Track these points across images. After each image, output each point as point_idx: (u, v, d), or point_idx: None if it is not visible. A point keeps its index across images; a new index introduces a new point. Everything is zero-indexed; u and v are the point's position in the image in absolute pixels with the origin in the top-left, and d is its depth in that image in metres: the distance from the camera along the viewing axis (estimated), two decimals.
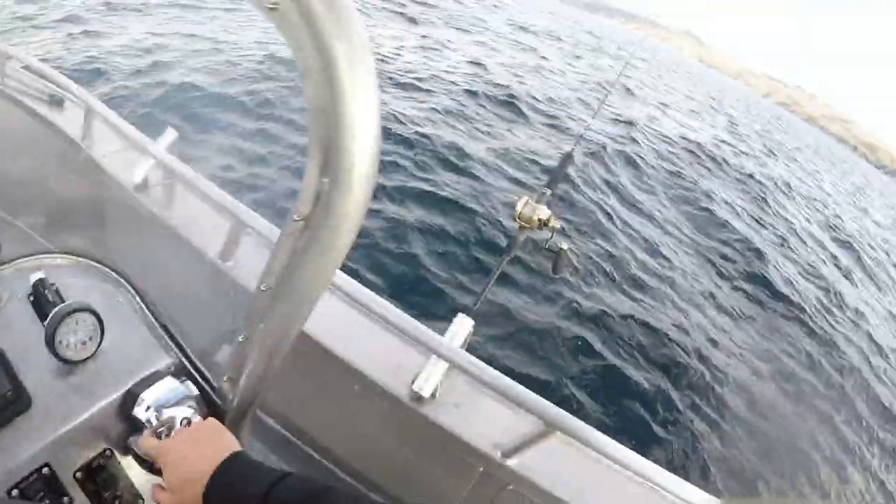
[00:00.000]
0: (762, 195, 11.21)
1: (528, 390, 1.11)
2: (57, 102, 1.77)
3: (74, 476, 0.79)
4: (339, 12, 0.39)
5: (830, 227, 12.58)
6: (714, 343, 4.92)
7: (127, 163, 1.57)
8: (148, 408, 0.82)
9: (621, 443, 1.10)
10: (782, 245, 8.99)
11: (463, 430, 1.27)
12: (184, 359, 0.95)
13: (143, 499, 0.84)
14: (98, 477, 0.81)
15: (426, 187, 5.17)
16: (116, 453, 0.84)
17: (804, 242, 9.89)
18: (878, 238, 15.26)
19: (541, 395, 1.14)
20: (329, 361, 1.32)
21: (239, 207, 1.33)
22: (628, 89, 15.42)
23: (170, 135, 1.63)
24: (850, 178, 33.65)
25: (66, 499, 0.77)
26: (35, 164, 1.60)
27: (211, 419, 0.78)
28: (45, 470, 0.76)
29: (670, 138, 12.12)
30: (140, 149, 1.53)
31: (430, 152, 5.86)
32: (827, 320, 6.95)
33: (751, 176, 12.35)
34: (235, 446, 0.70)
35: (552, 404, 1.10)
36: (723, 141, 15.55)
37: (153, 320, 1.01)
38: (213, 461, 0.66)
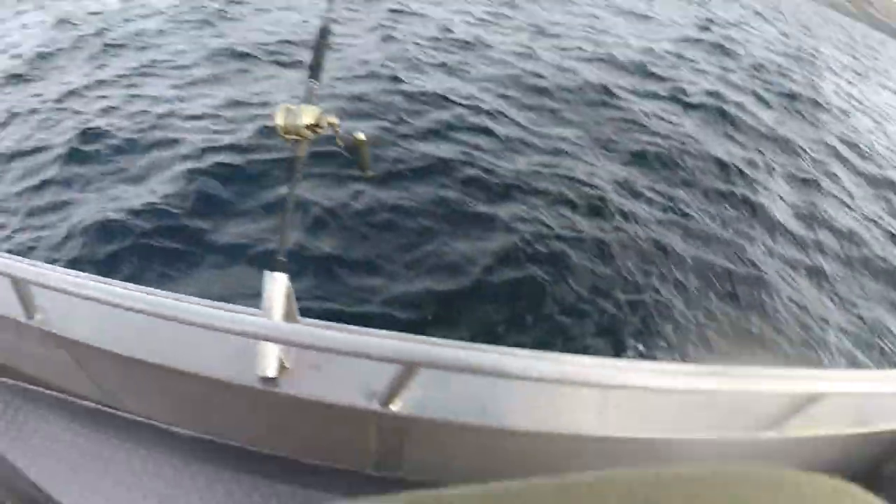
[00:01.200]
0: None
1: (366, 338, 0.99)
2: None
3: None
4: None
5: None
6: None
7: None
8: None
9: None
10: None
11: (334, 393, 1.23)
12: None
13: None
14: None
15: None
16: None
17: None
18: None
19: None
20: (172, 377, 1.28)
21: None
22: None
23: None
24: None
25: None
26: None
27: None
28: None
29: None
30: None
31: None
32: None
33: None
34: None
35: (398, 342, 1.02)
36: None
37: None
38: None
